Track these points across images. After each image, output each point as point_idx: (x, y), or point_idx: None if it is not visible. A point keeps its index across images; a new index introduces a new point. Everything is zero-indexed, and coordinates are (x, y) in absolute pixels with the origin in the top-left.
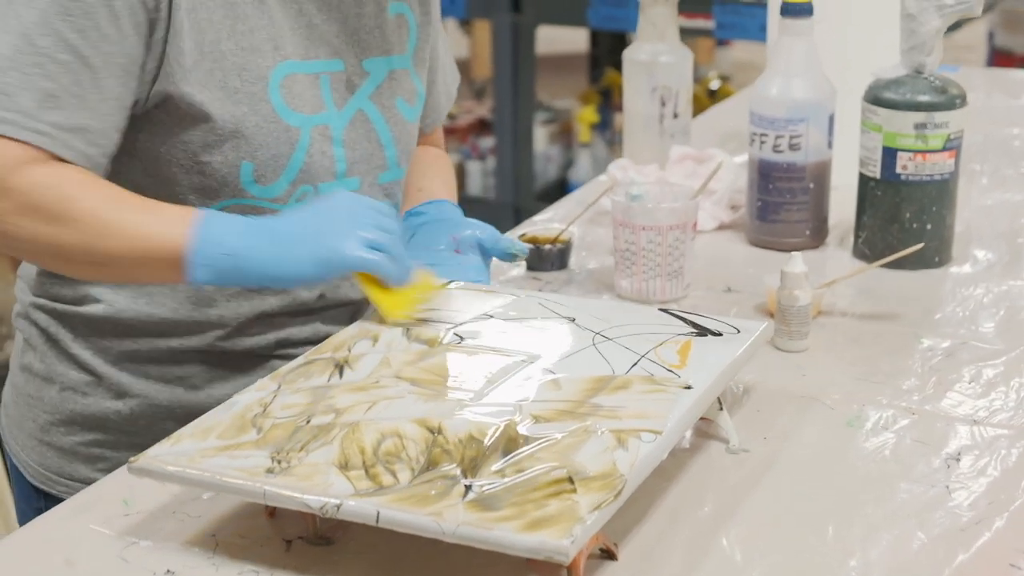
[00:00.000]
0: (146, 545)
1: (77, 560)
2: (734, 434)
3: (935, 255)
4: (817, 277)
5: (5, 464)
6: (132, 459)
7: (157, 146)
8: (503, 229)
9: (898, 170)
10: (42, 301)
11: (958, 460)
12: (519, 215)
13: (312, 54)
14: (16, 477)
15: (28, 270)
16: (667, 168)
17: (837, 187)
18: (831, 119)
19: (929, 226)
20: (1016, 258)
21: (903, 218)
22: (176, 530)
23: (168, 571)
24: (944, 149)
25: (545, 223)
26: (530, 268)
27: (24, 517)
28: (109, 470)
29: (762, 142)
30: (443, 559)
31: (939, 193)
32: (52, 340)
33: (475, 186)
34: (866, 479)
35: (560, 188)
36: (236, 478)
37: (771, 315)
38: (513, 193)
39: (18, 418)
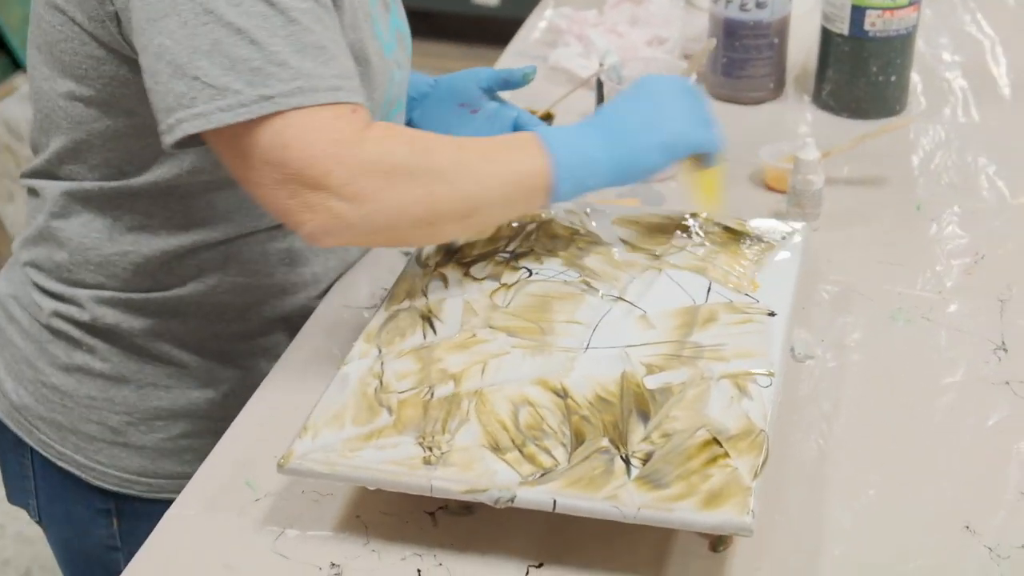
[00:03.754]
0: (294, 535)
1: (234, 562)
2: (799, 341)
3: (896, 104)
4: (789, 129)
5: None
6: (281, 460)
7: None
8: None
9: (866, 27)
10: (106, 294)
11: (1005, 349)
12: None
13: None
14: (66, 483)
15: (80, 260)
16: (604, 12)
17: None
18: None
19: (893, 78)
20: (945, 100)
21: (870, 72)
22: (317, 514)
23: (332, 564)
24: (910, 4)
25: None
26: None
27: (90, 523)
28: (198, 460)
29: (728, 1)
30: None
31: (903, 46)
32: (117, 336)
33: None
34: (934, 377)
35: None
36: (398, 474)
37: (769, 188)
38: None
39: (68, 424)
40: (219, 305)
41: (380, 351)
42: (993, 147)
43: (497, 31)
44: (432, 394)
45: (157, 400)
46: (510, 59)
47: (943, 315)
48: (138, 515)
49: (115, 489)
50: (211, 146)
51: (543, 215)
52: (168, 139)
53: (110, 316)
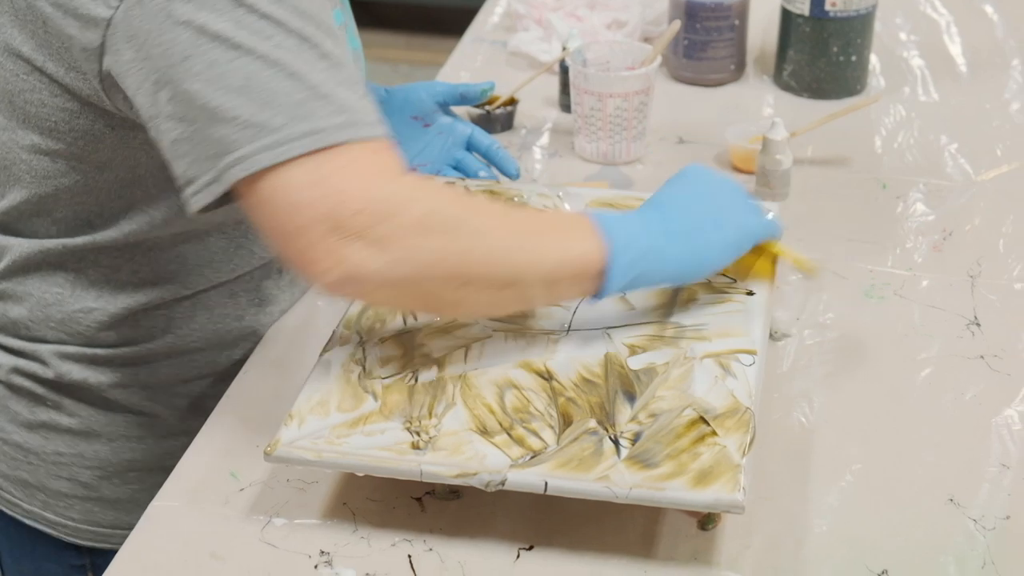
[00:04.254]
0: (281, 524)
1: (222, 551)
2: (775, 320)
3: (856, 84)
4: (752, 110)
5: None
6: (267, 449)
7: None
8: None
9: (827, 7)
10: (71, 349)
11: (978, 324)
12: None
13: None
14: (35, 541)
15: (40, 316)
16: None
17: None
18: None
19: (854, 58)
20: (904, 79)
21: (830, 52)
22: (303, 502)
23: (322, 552)
24: None
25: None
26: None
27: None
28: None
29: None
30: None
31: (863, 26)
32: (85, 390)
33: None
34: (910, 353)
35: None
36: (388, 460)
37: (735, 168)
38: None
39: (35, 481)
40: (189, 353)
41: (361, 337)
42: (954, 125)
43: (442, 19)
44: (416, 379)
45: (130, 452)
46: (468, 46)
47: (915, 291)
48: None
49: (89, 544)
50: (236, 195)
51: (516, 199)
52: (205, 196)
53: (76, 372)
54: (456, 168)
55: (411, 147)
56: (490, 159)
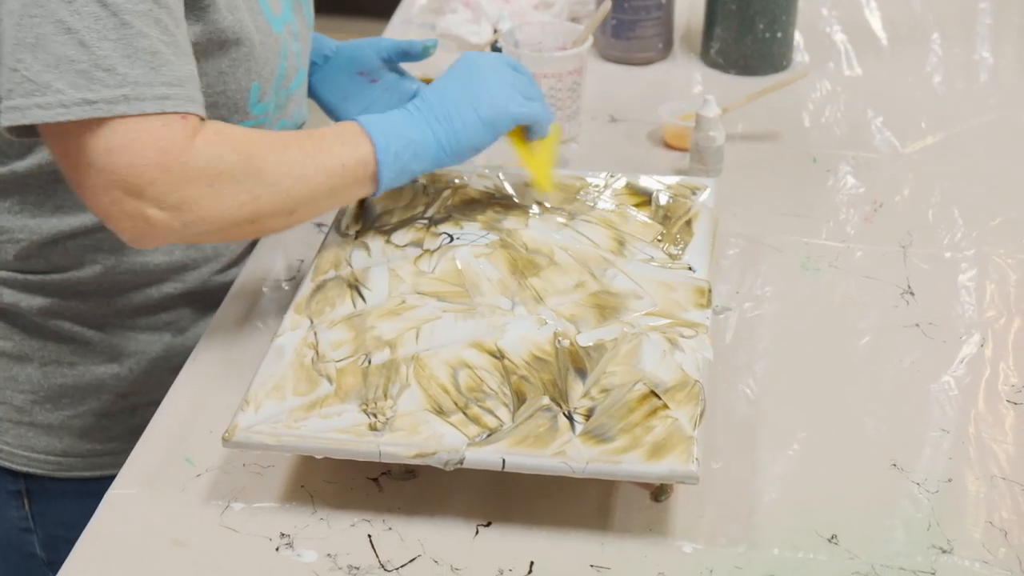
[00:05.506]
0: (240, 508)
1: (183, 537)
2: (715, 294)
3: (782, 60)
4: (681, 88)
5: None
6: (225, 435)
7: None
8: None
9: None
10: (2, 274)
11: (912, 293)
12: None
13: None
14: None
15: None
16: None
17: None
18: None
19: (779, 34)
20: (828, 55)
21: (756, 29)
22: (260, 486)
23: (282, 534)
24: None
25: None
26: None
27: (1, 506)
28: (107, 438)
29: None
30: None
31: (788, 3)
32: (16, 315)
33: None
34: (848, 322)
35: None
36: (346, 442)
37: (668, 146)
38: None
39: None
40: (118, 284)
41: (312, 322)
42: (878, 99)
43: (370, 2)
44: (370, 361)
45: (61, 377)
46: (397, 28)
47: (850, 262)
48: (49, 495)
49: (24, 470)
50: (43, 138)
51: (457, 180)
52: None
53: (7, 296)
54: None
55: (357, 103)
56: None
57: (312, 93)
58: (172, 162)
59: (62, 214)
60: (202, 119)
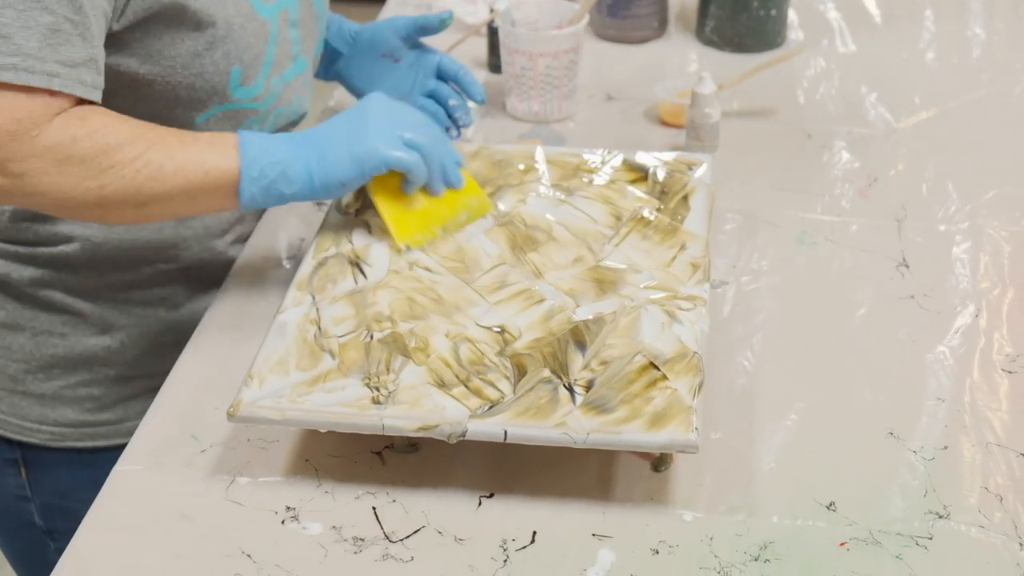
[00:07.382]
0: (246, 482)
1: (189, 512)
2: (713, 268)
3: (777, 37)
4: (677, 66)
5: None
6: (230, 410)
7: (143, 67)
8: None
9: None
10: None
11: (907, 266)
12: None
13: None
14: None
15: None
16: None
17: None
18: None
19: (774, 12)
20: (821, 32)
21: (751, 7)
22: (265, 460)
23: (288, 507)
24: None
25: None
26: None
27: None
28: (98, 408)
29: None
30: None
31: None
32: (8, 284)
33: None
34: (844, 295)
35: None
36: (350, 416)
37: (664, 123)
38: None
39: None
40: (109, 259)
41: (314, 298)
42: (872, 75)
43: None
44: (371, 336)
45: (53, 348)
46: (392, 8)
47: (845, 236)
48: (44, 464)
49: (18, 438)
50: None
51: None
52: None
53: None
54: (431, 97)
55: (384, 84)
56: (459, 84)
57: (342, 80)
58: (23, 133)
59: None
60: (82, 101)
